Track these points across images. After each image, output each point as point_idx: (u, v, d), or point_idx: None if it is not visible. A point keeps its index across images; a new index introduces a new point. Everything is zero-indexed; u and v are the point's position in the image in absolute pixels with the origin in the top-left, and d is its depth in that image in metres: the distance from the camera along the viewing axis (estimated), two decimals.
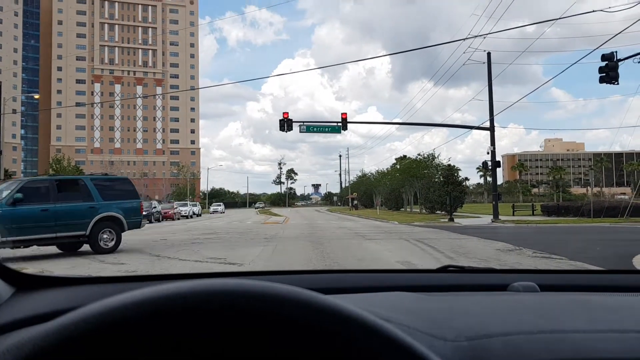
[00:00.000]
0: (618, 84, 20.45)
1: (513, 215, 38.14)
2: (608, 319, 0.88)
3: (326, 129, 34.11)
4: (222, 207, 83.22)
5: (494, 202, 31.08)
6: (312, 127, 33.83)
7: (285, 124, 30.91)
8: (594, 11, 19.82)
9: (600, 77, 20.51)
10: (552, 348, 0.69)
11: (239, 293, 0.57)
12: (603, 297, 1.20)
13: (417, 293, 1.25)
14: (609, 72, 20.17)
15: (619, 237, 19.19)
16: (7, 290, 1.27)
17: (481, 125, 31.54)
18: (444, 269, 1.65)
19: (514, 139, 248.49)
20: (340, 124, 32.52)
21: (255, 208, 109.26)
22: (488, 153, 30.75)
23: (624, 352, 0.68)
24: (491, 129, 30.83)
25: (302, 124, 33.13)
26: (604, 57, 20.44)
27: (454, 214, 35.41)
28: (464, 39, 25.13)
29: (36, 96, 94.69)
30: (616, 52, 20.73)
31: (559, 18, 22.46)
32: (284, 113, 31.46)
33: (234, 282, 0.58)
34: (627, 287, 1.43)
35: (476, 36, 25.36)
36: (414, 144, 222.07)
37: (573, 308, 0.99)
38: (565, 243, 17.09)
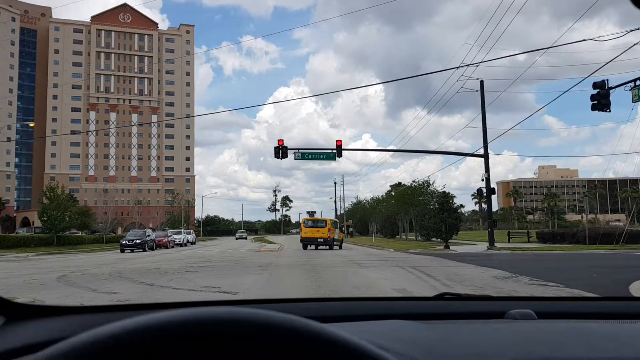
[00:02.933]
0: (610, 111, 20.58)
1: (509, 242, 38.07)
2: (607, 347, 0.87)
3: (321, 156, 34.17)
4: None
5: (489, 229, 31.01)
6: (307, 154, 33.87)
7: (280, 151, 30.96)
8: (584, 40, 20.09)
9: (593, 104, 20.63)
10: None
11: (233, 321, 0.55)
12: (601, 324, 1.18)
13: (414, 321, 1.23)
14: (601, 99, 20.34)
15: (615, 264, 19.13)
16: None
17: (475, 153, 31.72)
18: (440, 297, 1.64)
19: (508, 166, 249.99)
20: (335, 151, 32.59)
21: (237, 238, 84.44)
22: (483, 180, 30.81)
23: None
24: (485, 156, 30.94)
25: (297, 151, 33.18)
26: (595, 85, 20.59)
27: (450, 241, 35.33)
28: (457, 67, 25.37)
29: (31, 124, 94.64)
30: (607, 80, 20.92)
31: (551, 47, 22.77)
32: (279, 140, 31.57)
33: (227, 310, 0.57)
34: (625, 314, 1.42)
35: (469, 64, 25.63)
36: (409, 171, 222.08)
37: (571, 335, 0.98)
38: (562, 270, 17.02)
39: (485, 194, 31.35)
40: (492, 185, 31.62)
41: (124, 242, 39.72)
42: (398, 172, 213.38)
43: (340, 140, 32.45)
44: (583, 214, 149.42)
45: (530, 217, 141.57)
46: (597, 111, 20.52)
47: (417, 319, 1.28)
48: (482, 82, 31.37)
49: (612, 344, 0.89)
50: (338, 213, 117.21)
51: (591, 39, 19.63)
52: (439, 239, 40.71)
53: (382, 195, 79.63)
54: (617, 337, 0.97)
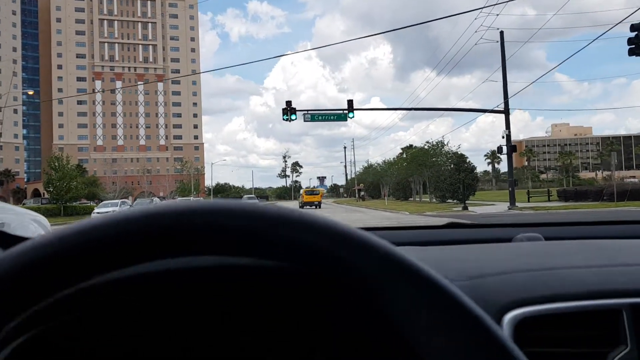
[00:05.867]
0: None
1: (528, 201, 36.60)
2: (615, 256, 0.88)
3: (332, 117, 32.55)
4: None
5: (510, 189, 29.54)
6: (317, 116, 32.26)
7: (289, 111, 29.42)
8: None
9: (630, 49, 19.03)
10: (557, 283, 0.71)
11: (247, 213, 0.45)
12: (611, 241, 1.15)
13: (424, 247, 1.22)
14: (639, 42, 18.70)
15: None
16: None
17: (496, 108, 30.00)
18: (449, 226, 1.67)
19: (519, 125, 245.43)
20: (346, 112, 30.99)
21: None
22: (503, 137, 29.19)
23: (631, 283, 0.70)
24: (506, 111, 29.24)
25: (306, 112, 31.61)
26: (633, 28, 18.95)
27: (467, 202, 33.96)
28: (477, 9, 23.56)
29: (30, 92, 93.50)
30: None
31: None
32: (287, 102, 29.96)
33: (234, 201, 0.47)
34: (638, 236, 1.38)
35: (488, 7, 23.81)
36: (419, 134, 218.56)
37: (579, 250, 0.98)
38: None
39: (505, 152, 29.74)
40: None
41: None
42: (408, 135, 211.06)
43: (352, 100, 30.84)
44: (597, 172, 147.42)
45: (543, 176, 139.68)
46: (635, 56, 18.89)
47: (427, 245, 1.27)
48: (502, 32, 29.48)
49: (621, 254, 0.90)
50: (349, 177, 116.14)
51: None
52: (455, 200, 39.34)
53: (393, 158, 78.03)
54: (628, 248, 0.97)
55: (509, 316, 0.65)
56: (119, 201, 41.00)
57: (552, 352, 0.64)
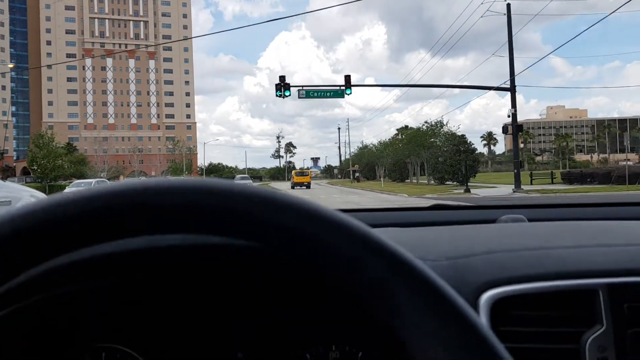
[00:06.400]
0: None
1: (531, 184, 35.29)
2: (597, 236, 0.89)
3: (328, 94, 30.93)
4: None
5: (515, 170, 28.18)
6: (312, 92, 30.65)
7: (282, 87, 27.82)
8: None
9: None
10: (536, 263, 0.71)
11: (222, 192, 0.43)
12: (593, 222, 1.16)
13: (409, 228, 1.23)
14: None
15: None
16: None
17: (501, 86, 28.49)
18: (434, 207, 1.69)
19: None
20: (342, 88, 29.41)
21: None
22: (509, 116, 27.78)
23: (609, 264, 0.70)
24: (512, 88, 27.74)
25: (301, 88, 30.00)
26: None
27: (468, 184, 32.61)
28: None
29: (10, 65, 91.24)
30: None
31: None
32: (280, 77, 28.35)
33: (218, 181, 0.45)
34: (620, 218, 1.38)
35: None
36: (413, 116, 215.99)
37: (562, 231, 0.98)
38: None
39: (510, 132, 28.35)
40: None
41: None
42: (402, 116, 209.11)
43: (350, 75, 29.26)
44: (592, 154, 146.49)
45: (538, 158, 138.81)
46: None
47: (412, 227, 1.28)
48: (509, 5, 27.89)
49: (603, 235, 0.90)
50: (343, 158, 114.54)
51: None
52: (454, 182, 38.02)
53: (389, 139, 76.49)
54: (609, 229, 0.97)
55: (485, 296, 0.64)
56: (93, 180, 37.93)
57: (528, 331, 0.65)
